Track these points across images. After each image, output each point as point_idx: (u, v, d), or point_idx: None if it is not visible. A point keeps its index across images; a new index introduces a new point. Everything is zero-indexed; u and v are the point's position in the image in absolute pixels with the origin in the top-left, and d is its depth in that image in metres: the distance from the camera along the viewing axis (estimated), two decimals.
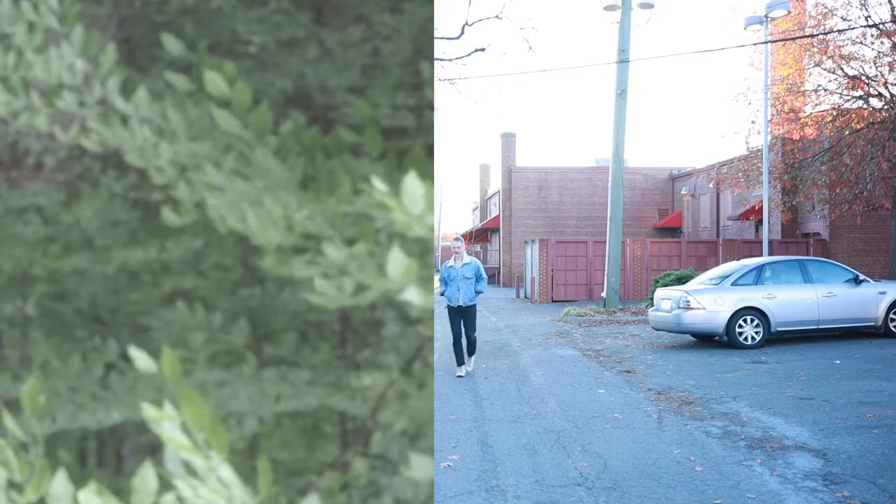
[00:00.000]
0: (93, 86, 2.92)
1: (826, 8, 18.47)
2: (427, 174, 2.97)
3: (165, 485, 2.39)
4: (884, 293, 12.64)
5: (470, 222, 61.44)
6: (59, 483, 2.35)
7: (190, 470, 2.39)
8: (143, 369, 2.63)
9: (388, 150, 2.95)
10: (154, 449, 3.17)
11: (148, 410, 2.43)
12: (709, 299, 12.01)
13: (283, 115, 3.23)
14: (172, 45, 2.97)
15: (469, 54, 19.52)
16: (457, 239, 9.73)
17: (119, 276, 3.21)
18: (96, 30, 3.01)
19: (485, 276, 9.52)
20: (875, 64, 18.00)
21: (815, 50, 18.36)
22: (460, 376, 9.50)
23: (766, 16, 17.68)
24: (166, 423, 2.38)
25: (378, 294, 2.86)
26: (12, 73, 2.96)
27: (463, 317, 9.49)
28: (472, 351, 9.88)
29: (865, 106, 18.41)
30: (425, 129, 3.21)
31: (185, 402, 2.38)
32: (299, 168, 2.85)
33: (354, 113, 3.04)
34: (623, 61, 18.88)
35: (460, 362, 9.69)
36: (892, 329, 12.60)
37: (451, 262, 9.55)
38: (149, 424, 2.40)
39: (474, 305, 9.48)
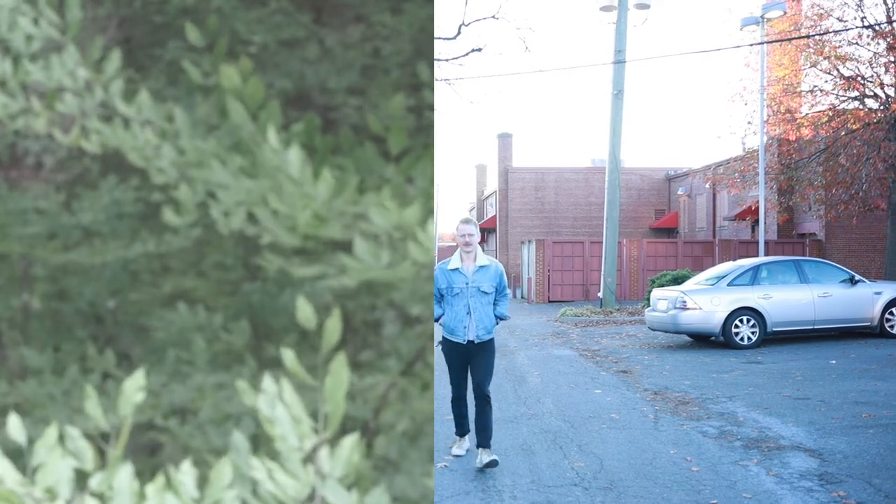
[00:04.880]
0: (94, 90, 2.93)
1: (822, 9, 18.51)
2: (428, 175, 2.98)
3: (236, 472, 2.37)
4: (879, 293, 12.69)
5: None
6: (125, 476, 2.34)
7: (268, 452, 2.38)
8: (303, 323, 2.57)
9: (409, 148, 2.97)
10: (154, 449, 3.17)
11: (241, 384, 2.41)
12: (705, 299, 12.04)
13: (283, 115, 3.23)
14: (193, 34, 2.98)
15: (466, 54, 19.57)
16: (467, 221, 5.39)
17: (119, 276, 3.21)
18: (99, 37, 3.01)
19: (508, 291, 5.53)
20: (871, 65, 18.06)
21: (811, 51, 18.41)
22: (458, 455, 5.63)
23: (762, 16, 17.74)
24: (263, 399, 2.35)
25: (412, 268, 2.85)
26: (11, 77, 2.96)
27: (471, 360, 5.37)
28: (484, 428, 5.30)
29: (861, 107, 18.47)
30: (425, 129, 3.22)
31: (334, 370, 2.34)
32: (308, 166, 2.86)
33: (383, 108, 3.04)
34: (619, 62, 18.90)
35: (462, 431, 5.70)
36: (888, 329, 12.65)
37: (453, 263, 5.36)
38: (242, 396, 2.38)
39: (491, 341, 5.36)
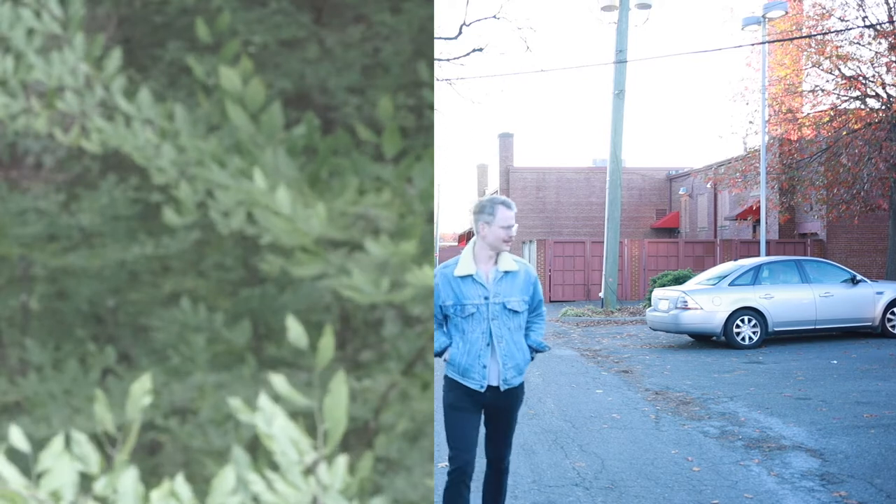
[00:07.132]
0: (94, 88, 2.93)
1: (823, 8, 18.52)
2: (429, 175, 2.98)
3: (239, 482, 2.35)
4: (881, 293, 12.68)
5: (467, 223, 61.51)
6: (129, 480, 2.32)
7: (268, 464, 2.37)
8: (295, 343, 2.52)
9: (406, 150, 2.96)
10: (153, 449, 3.17)
11: (235, 402, 2.39)
12: (706, 299, 12.03)
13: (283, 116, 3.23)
14: (202, 30, 2.98)
15: (467, 54, 19.58)
16: (510, 206, 3.60)
17: (119, 276, 3.21)
18: (100, 34, 3.02)
19: (544, 308, 3.66)
20: (872, 64, 18.06)
21: (813, 50, 18.41)
22: None
23: (763, 16, 17.72)
24: (260, 416, 2.34)
25: (413, 291, 2.85)
26: (12, 76, 2.96)
27: (489, 416, 3.56)
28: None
29: (863, 106, 18.47)
30: (425, 129, 3.21)
31: (333, 388, 2.32)
32: (308, 167, 2.86)
33: (378, 109, 3.04)
34: (621, 62, 18.89)
35: None
36: (889, 329, 12.63)
37: (464, 267, 3.46)
38: (236, 414, 2.36)
39: (521, 386, 3.53)
